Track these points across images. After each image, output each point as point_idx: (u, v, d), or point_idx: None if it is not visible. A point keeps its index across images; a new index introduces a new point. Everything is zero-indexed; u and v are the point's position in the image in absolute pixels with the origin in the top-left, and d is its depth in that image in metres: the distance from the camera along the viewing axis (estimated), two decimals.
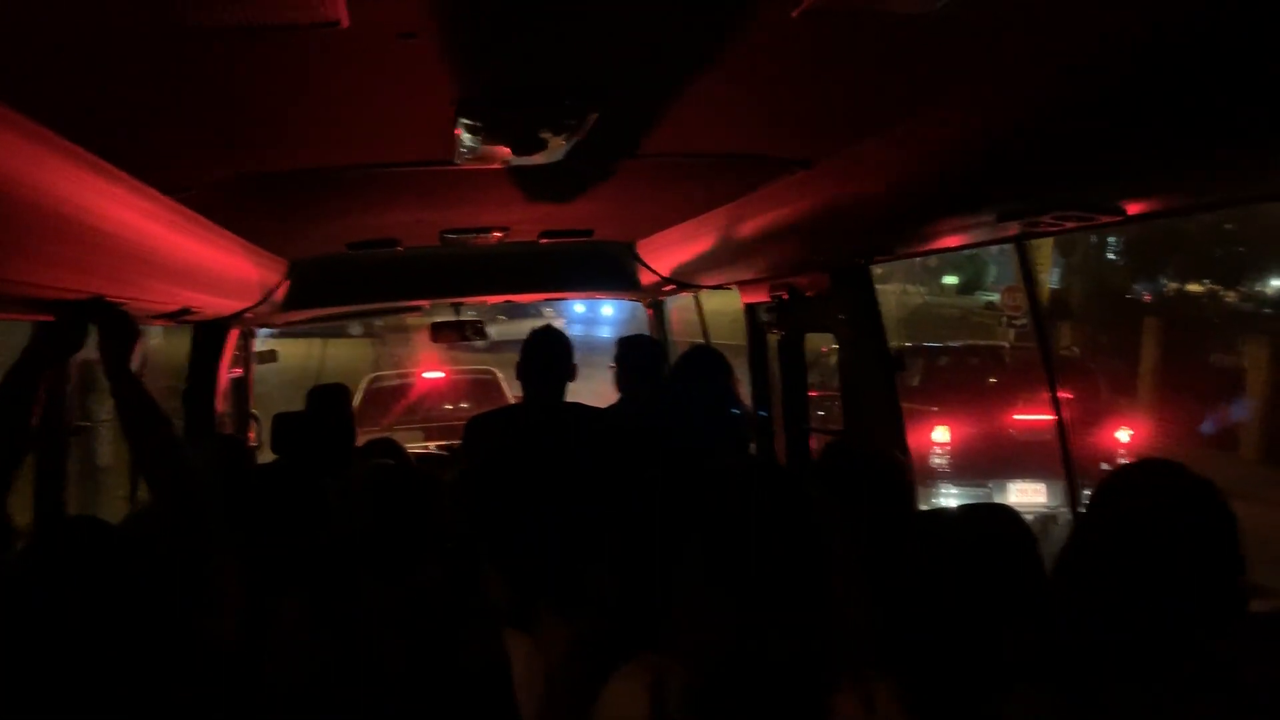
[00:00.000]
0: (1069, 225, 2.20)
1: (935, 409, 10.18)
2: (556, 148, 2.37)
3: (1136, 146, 1.74)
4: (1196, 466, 1.62)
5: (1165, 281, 19.91)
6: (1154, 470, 1.64)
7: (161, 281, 2.83)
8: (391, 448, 4.18)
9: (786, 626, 1.78)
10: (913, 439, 10.87)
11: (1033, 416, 9.72)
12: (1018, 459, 9.46)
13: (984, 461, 9.69)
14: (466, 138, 2.24)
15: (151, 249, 2.56)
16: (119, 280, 2.45)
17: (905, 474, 2.78)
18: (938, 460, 9.94)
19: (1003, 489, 9.45)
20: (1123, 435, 10.37)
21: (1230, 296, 19.02)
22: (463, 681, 2.13)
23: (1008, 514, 2.71)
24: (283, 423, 3.79)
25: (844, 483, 2.56)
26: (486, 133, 2.20)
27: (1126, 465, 1.74)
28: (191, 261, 3.00)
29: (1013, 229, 2.32)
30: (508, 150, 2.37)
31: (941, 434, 9.97)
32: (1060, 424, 2.94)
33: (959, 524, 2.69)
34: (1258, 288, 18.72)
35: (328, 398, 3.87)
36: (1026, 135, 1.90)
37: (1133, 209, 2.06)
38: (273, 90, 1.86)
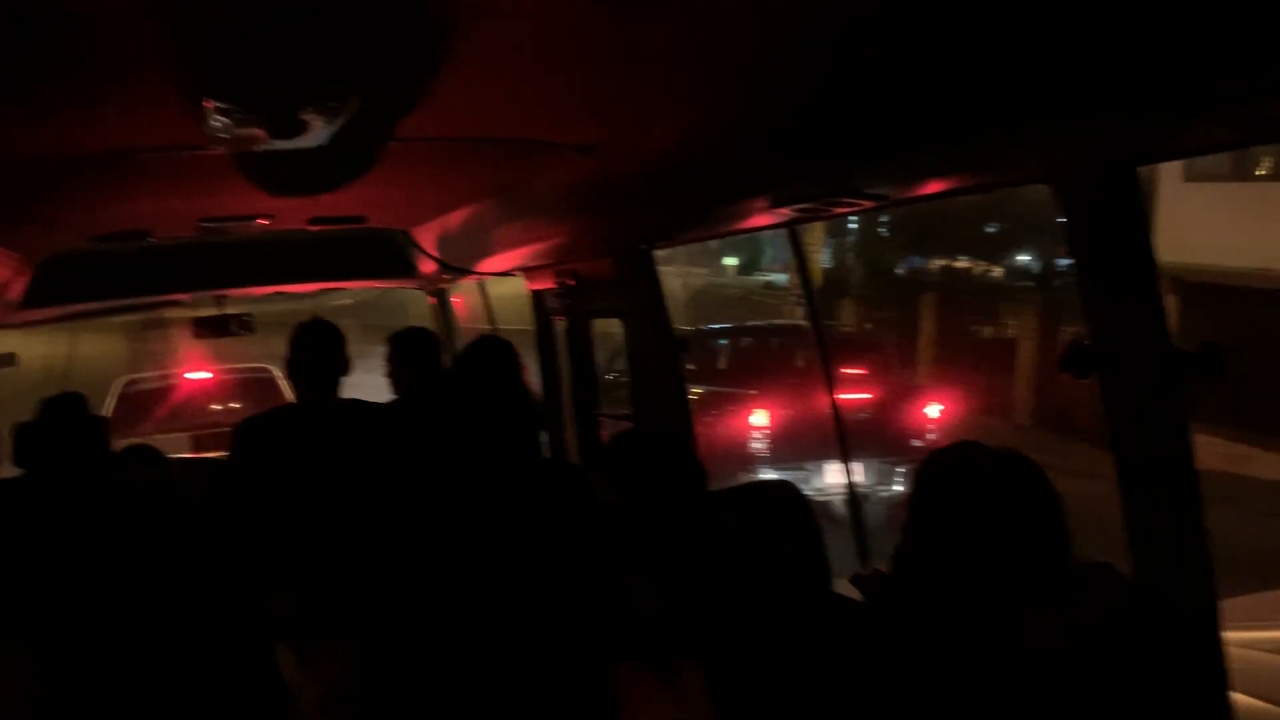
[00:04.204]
0: (836, 210, 2.27)
1: (753, 392, 10.14)
2: (318, 130, 2.23)
3: (887, 133, 1.80)
4: (976, 435, 1.68)
5: (934, 259, 21.23)
6: (976, 453, 1.68)
7: None
8: (151, 456, 3.89)
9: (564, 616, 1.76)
10: (732, 423, 11.00)
11: (847, 396, 9.62)
12: (833, 439, 9.40)
13: (802, 443, 9.50)
14: (218, 120, 2.07)
15: None
16: None
17: (693, 455, 2.82)
18: (757, 444, 9.90)
19: (820, 470, 9.38)
20: (932, 411, 10.61)
21: (995, 272, 20.47)
22: None
23: (786, 488, 2.81)
24: (25, 433, 3.43)
25: (633, 469, 2.58)
26: (240, 115, 2.04)
27: (943, 450, 1.78)
28: None
29: (785, 214, 2.37)
30: (265, 133, 2.21)
31: (760, 417, 9.92)
32: (834, 405, 3.04)
33: (738, 501, 2.76)
34: (1017, 262, 20.27)
35: (62, 410, 3.52)
36: (785, 124, 1.94)
37: (895, 194, 2.15)
38: None
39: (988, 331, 17.81)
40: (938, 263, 21.22)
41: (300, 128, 2.18)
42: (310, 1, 1.54)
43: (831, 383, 3.19)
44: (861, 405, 9.90)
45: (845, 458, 3.26)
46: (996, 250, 20.68)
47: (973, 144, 1.82)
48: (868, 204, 2.18)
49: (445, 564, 2.49)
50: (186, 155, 2.46)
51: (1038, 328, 15.76)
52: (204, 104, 1.91)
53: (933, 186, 2.10)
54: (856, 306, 21.09)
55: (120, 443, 4.03)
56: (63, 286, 4.27)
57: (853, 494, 3.33)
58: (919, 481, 1.74)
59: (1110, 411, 1.91)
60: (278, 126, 2.14)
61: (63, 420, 3.44)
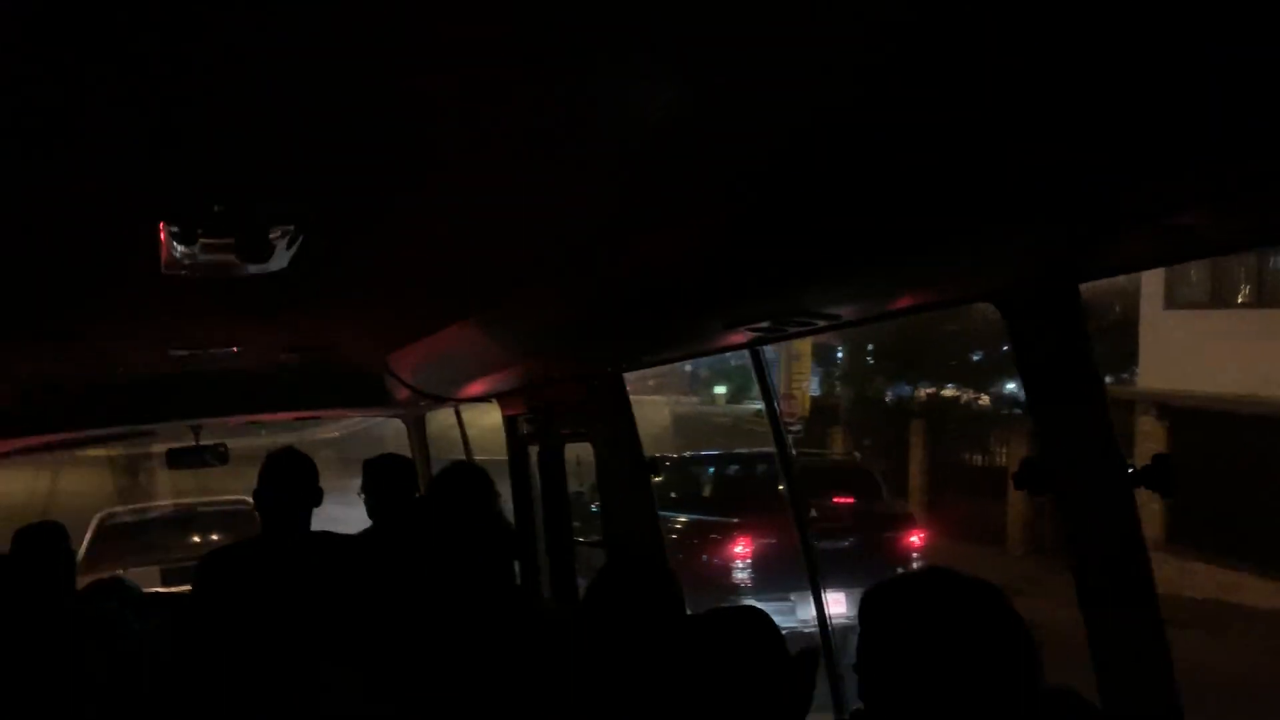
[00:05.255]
0: (792, 330, 2.29)
1: (735, 520, 10.05)
2: (283, 254, 2.25)
3: (835, 256, 1.84)
4: (969, 564, 1.59)
5: (921, 387, 21.30)
6: (936, 582, 1.60)
7: None
8: (121, 590, 3.83)
9: None
10: (714, 552, 10.82)
11: (830, 525, 9.62)
12: (819, 569, 9.03)
13: (785, 572, 9.20)
14: (179, 247, 2.09)
15: None
16: None
17: (673, 585, 2.78)
18: (740, 574, 9.79)
19: (805, 600, 9.10)
20: (920, 539, 10.57)
21: (983, 400, 20.49)
22: None
23: (754, 615, 2.75)
24: None
25: (616, 603, 2.56)
26: (202, 239, 2.06)
27: (902, 577, 1.71)
28: None
29: (744, 335, 2.40)
30: (231, 258, 2.24)
31: (742, 547, 9.84)
32: (803, 529, 3.01)
33: (710, 629, 2.70)
34: (1005, 390, 20.32)
35: (38, 539, 3.48)
36: (738, 247, 1.98)
37: (847, 314, 2.18)
38: None
39: (978, 459, 17.73)
40: (925, 390, 21.30)
41: (264, 251, 2.21)
42: (267, 127, 1.57)
43: (801, 511, 3.16)
44: (848, 533, 9.80)
45: (815, 586, 3.21)
46: (983, 378, 20.78)
47: (917, 264, 1.85)
48: (821, 323, 2.20)
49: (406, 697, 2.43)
50: (151, 283, 2.48)
51: (1028, 455, 15.65)
52: (160, 228, 1.94)
53: (882, 306, 2.13)
54: (845, 434, 21.07)
55: (93, 576, 3.98)
56: (34, 416, 4.24)
57: (824, 629, 3.26)
58: (870, 612, 1.67)
59: (1066, 528, 1.89)
60: (242, 250, 2.17)
61: (37, 553, 3.40)
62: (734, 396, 31.65)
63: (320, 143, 1.61)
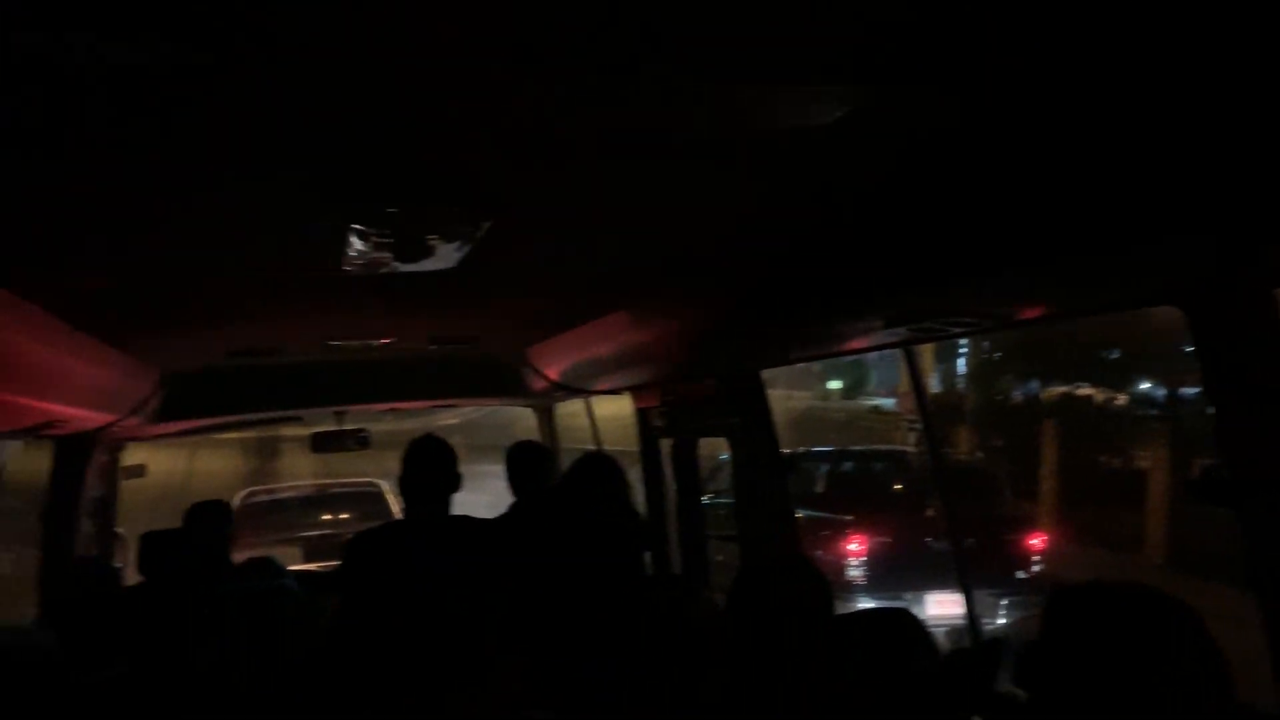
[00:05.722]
0: (954, 330, 2.24)
1: (849, 518, 9.95)
2: (447, 255, 2.32)
3: (1009, 253, 1.79)
4: (1100, 572, 1.57)
5: (1051, 385, 20.50)
6: (1126, 598, 1.56)
7: (18, 392, 2.66)
8: (271, 567, 4.00)
9: None
10: (827, 550, 10.76)
11: (948, 526, 9.54)
12: (933, 569, 8.95)
13: (900, 572, 9.29)
14: (355, 243, 2.18)
15: (6, 355, 2.40)
16: None
17: (822, 583, 2.77)
18: (854, 572, 9.67)
19: (920, 601, 8.98)
20: (1049, 544, 10.27)
21: (1120, 400, 19.61)
22: None
23: (907, 618, 2.71)
24: (153, 542, 3.57)
25: (763, 599, 2.55)
26: (375, 239, 2.14)
27: (1104, 585, 1.65)
28: (53, 370, 2.83)
29: (899, 333, 2.36)
30: (396, 256, 2.31)
31: (856, 545, 9.73)
32: (954, 530, 2.94)
33: (861, 629, 2.68)
34: (1141, 390, 19.39)
35: (207, 516, 3.69)
36: (901, 241, 1.94)
37: (1016, 314, 2.11)
38: (142, 195, 1.78)
39: (1115, 462, 16.94)
40: (1056, 389, 20.49)
41: (429, 252, 2.29)
42: (446, 137, 1.62)
43: (953, 512, 3.09)
44: (971, 534, 9.58)
45: (967, 589, 3.14)
46: (1118, 377, 19.85)
47: (1093, 262, 1.79)
48: (987, 324, 2.15)
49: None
50: (318, 276, 2.58)
51: (1169, 459, 14.91)
52: (341, 228, 2.02)
53: (1055, 307, 2.07)
54: (969, 433, 20.48)
55: (244, 555, 4.20)
56: (197, 400, 4.48)
57: (974, 626, 3.19)
58: (1058, 617, 1.63)
59: (1248, 545, 1.80)
60: (409, 251, 2.24)
61: (206, 529, 3.62)
62: (849, 392, 31.17)
63: (488, 149, 1.66)
